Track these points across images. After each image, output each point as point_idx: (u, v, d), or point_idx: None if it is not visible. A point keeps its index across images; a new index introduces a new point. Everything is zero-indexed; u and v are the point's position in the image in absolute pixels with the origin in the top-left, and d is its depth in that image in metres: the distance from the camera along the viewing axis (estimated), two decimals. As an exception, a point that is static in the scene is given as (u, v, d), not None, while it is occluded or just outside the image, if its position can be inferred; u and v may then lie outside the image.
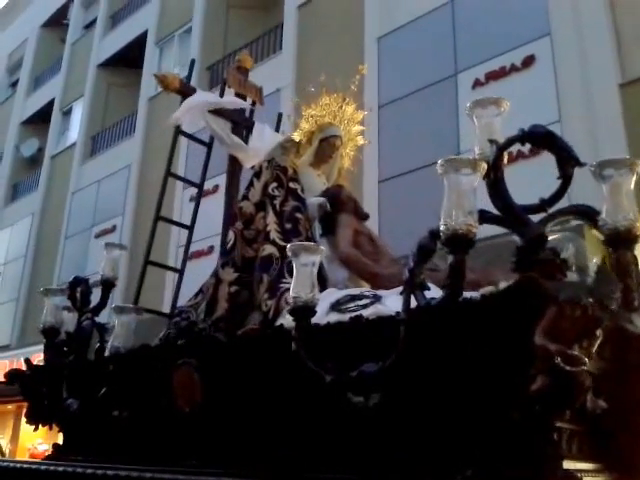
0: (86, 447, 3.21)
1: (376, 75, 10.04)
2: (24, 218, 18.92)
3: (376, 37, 10.85)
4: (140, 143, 15.81)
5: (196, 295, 3.59)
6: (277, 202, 3.41)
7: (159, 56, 17.04)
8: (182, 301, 4.42)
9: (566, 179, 2.27)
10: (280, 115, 4.97)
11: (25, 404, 3.60)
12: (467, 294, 2.12)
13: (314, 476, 2.40)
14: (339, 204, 3.59)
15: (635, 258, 2.23)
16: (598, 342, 1.92)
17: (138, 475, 2.61)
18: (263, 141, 4.24)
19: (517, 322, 1.91)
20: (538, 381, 1.89)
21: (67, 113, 19.60)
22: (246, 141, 4.36)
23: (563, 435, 2.12)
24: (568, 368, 1.82)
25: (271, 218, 3.35)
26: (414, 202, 8.35)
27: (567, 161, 2.24)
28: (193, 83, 14.27)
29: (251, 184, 3.61)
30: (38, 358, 3.88)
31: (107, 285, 3.56)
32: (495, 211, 2.25)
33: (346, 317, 2.60)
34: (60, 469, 2.95)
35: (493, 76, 9.37)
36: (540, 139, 2.24)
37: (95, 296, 3.57)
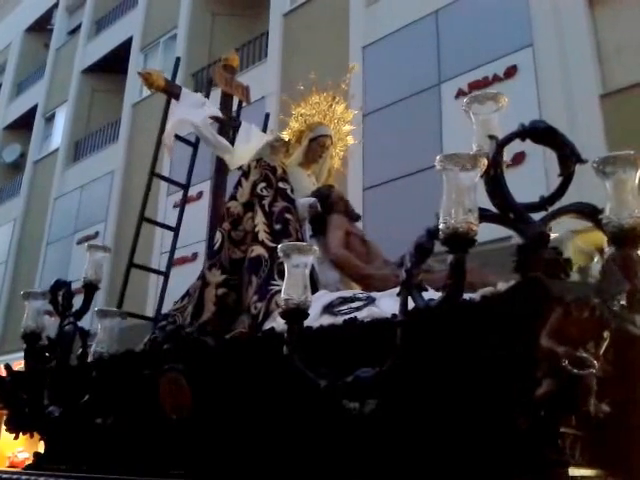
0: (69, 456, 3.09)
1: (361, 84, 10.06)
2: (6, 224, 18.72)
3: (361, 46, 10.92)
4: (124, 149, 15.78)
5: (182, 298, 3.49)
6: (266, 202, 3.32)
7: (144, 62, 16.99)
8: (167, 305, 4.34)
9: (567, 176, 2.20)
10: (267, 115, 4.89)
11: (4, 412, 3.48)
12: (465, 295, 2.04)
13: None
14: (330, 204, 3.51)
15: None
16: (605, 344, 1.84)
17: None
18: (249, 141, 4.15)
19: (521, 324, 1.84)
20: (544, 385, 1.82)
21: (50, 119, 19.45)
22: (233, 141, 4.26)
23: (566, 441, 2.04)
24: (576, 371, 1.75)
25: (260, 219, 3.26)
26: (398, 210, 8.37)
27: (568, 158, 2.17)
28: (178, 84, 14.19)
29: (239, 184, 3.51)
30: (19, 365, 3.75)
31: (90, 288, 3.44)
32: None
33: (339, 320, 2.52)
34: (42, 479, 2.84)
35: (476, 86, 9.48)
36: (540, 135, 2.17)
37: (77, 302, 3.47)
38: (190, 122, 4.09)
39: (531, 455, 1.91)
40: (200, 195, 12.53)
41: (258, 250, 3.14)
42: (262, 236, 3.19)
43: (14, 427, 3.31)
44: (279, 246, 2.36)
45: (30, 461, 3.47)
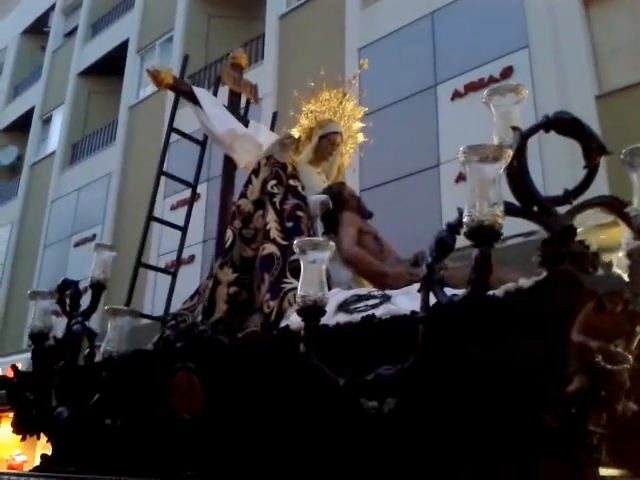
0: (77, 457, 3.03)
1: (357, 86, 10.07)
2: (3, 227, 18.64)
3: (357, 48, 10.90)
4: (120, 151, 15.78)
5: (192, 297, 3.44)
6: (277, 200, 3.27)
7: (140, 64, 16.98)
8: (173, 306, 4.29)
9: (592, 169, 2.15)
10: (275, 114, 4.85)
11: (4, 414, 3.41)
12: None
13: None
14: (342, 202, 3.47)
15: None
16: (637, 339, 1.80)
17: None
18: (258, 138, 4.09)
19: (551, 319, 1.79)
20: (575, 382, 1.77)
21: (47, 121, 19.39)
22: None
23: (593, 439, 2.00)
24: (609, 367, 1.70)
25: (271, 216, 3.21)
26: (395, 211, 8.33)
27: (594, 150, 2.12)
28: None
29: (249, 181, 3.46)
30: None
31: (98, 288, 3.40)
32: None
33: (355, 317, 2.47)
34: (50, 482, 2.78)
35: (472, 87, 9.54)
36: (565, 126, 2.13)
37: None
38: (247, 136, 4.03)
39: (561, 455, 1.87)
40: (197, 197, 12.45)
41: (270, 248, 3.09)
42: (274, 234, 3.14)
43: (21, 429, 3.25)
44: (295, 242, 2.31)
45: (28, 464, 3.41)
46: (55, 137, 18.45)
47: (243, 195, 3.43)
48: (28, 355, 3.41)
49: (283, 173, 3.38)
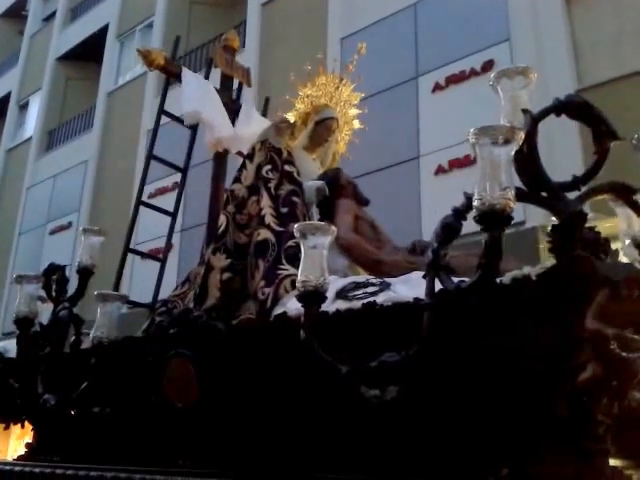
0: (63, 446, 2.95)
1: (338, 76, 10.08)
2: (-23, 213, 18.39)
3: (339, 38, 10.86)
4: (98, 138, 15.68)
5: (182, 284, 3.36)
6: (272, 185, 3.19)
7: (119, 50, 16.86)
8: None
9: (602, 154, 2.11)
10: (267, 100, 4.77)
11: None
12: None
13: (322, 476, 2.20)
14: (338, 188, 3.40)
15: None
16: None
17: (127, 476, 2.39)
18: (250, 125, 4.03)
19: (565, 305, 1.74)
20: (588, 370, 1.73)
21: (24, 107, 19.20)
22: (233, 123, 4.13)
23: (600, 429, 1.95)
24: (625, 354, 1.66)
25: (266, 202, 3.13)
26: (374, 203, 8.30)
27: (604, 135, 2.08)
28: (154, 77, 13.98)
29: (243, 166, 3.38)
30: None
31: (85, 273, 3.30)
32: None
33: (354, 305, 2.42)
34: (37, 470, 2.70)
35: (453, 80, 9.60)
36: (576, 109, 2.08)
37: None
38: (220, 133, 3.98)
39: (569, 444, 1.83)
40: (176, 186, 12.33)
41: (265, 234, 3.02)
42: (268, 219, 3.07)
43: (5, 417, 3.16)
44: (294, 226, 2.25)
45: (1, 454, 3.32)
46: (32, 123, 18.29)
47: (237, 180, 3.35)
48: (4, 342, 3.32)
49: (278, 158, 3.30)
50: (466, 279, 1.98)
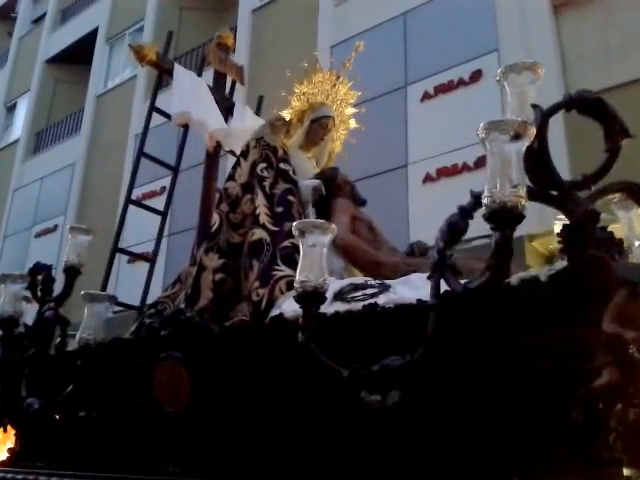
0: (48, 452, 2.84)
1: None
2: (-37, 215, 18.18)
3: (329, 45, 10.85)
4: (86, 141, 15.60)
5: (173, 285, 3.26)
6: (267, 184, 3.10)
7: (109, 54, 16.80)
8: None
9: (613, 152, 2.04)
10: (261, 98, 4.68)
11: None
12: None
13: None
14: (335, 188, 3.32)
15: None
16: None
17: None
18: (244, 123, 3.94)
19: (580, 307, 1.66)
20: (604, 375, 1.65)
21: (11, 108, 19.05)
22: (226, 122, 4.04)
23: (610, 437, 1.88)
24: (644, 359, 1.58)
25: (261, 201, 3.04)
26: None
27: (616, 132, 2.01)
28: (143, 81, 13.89)
29: (238, 164, 3.29)
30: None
31: (71, 273, 3.20)
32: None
33: (355, 306, 2.33)
34: (19, 477, 2.60)
35: (442, 89, 9.67)
36: (588, 106, 2.01)
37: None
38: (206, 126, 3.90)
39: (582, 452, 1.75)
40: (163, 190, 12.27)
41: (259, 234, 2.93)
42: (263, 219, 2.97)
43: (-13, 421, 3.04)
44: (294, 224, 2.16)
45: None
46: (19, 125, 18.14)
47: (231, 178, 3.26)
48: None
49: (273, 156, 3.21)
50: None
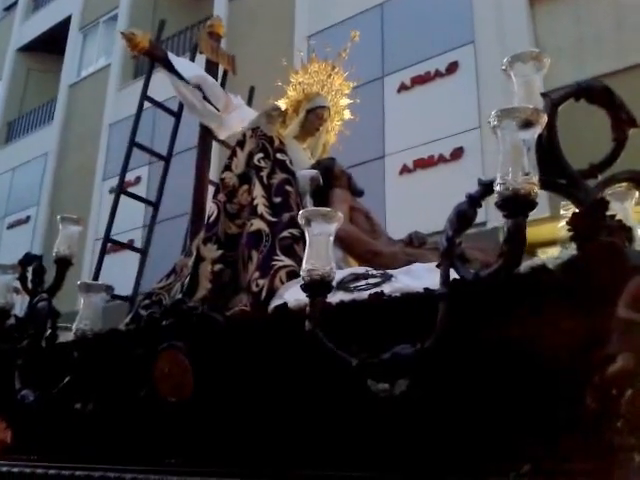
0: (43, 445, 2.80)
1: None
2: None
3: (306, 35, 10.84)
4: (59, 131, 15.49)
5: (167, 276, 3.23)
6: (264, 174, 3.08)
7: (82, 42, 16.63)
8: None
9: (620, 142, 2.05)
10: (252, 89, 4.65)
11: None
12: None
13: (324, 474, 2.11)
14: (332, 178, 3.31)
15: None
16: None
17: (117, 476, 2.26)
18: (237, 113, 3.90)
19: (594, 294, 1.67)
20: (619, 361, 1.66)
21: (-17, 98, 18.67)
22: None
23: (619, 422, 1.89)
24: (660, 344, 1.60)
25: (258, 191, 3.02)
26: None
27: (623, 122, 2.02)
28: (117, 71, 13.80)
29: (234, 154, 3.27)
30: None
31: (63, 264, 3.15)
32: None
33: (359, 296, 2.32)
34: (15, 470, 2.55)
35: (418, 80, 9.72)
36: (596, 94, 2.02)
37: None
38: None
39: (595, 439, 1.76)
40: (138, 180, 12.20)
41: (258, 224, 2.91)
42: (261, 209, 2.95)
43: (-22, 413, 2.99)
44: (300, 212, 2.15)
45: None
46: (-10, 115, 17.85)
47: (227, 168, 3.23)
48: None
49: (270, 146, 3.19)
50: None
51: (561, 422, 1.77)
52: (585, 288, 1.69)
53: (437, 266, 1.99)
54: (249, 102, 4.45)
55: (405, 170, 9.42)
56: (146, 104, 4.23)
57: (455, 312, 1.88)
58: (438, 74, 9.56)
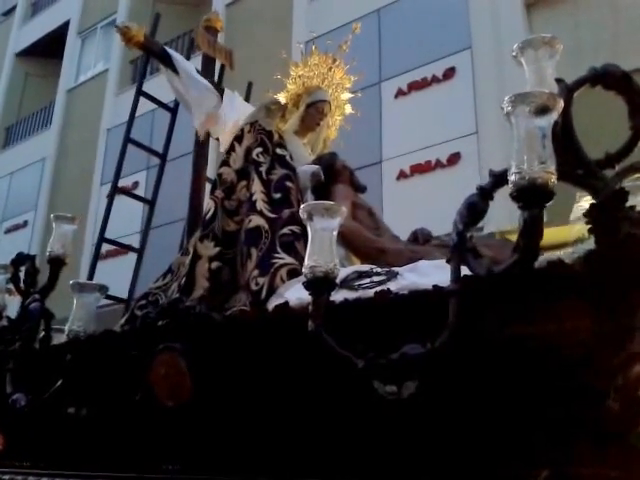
0: (36, 451, 2.70)
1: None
2: None
3: (303, 42, 10.79)
4: (56, 136, 15.53)
5: (164, 276, 3.12)
6: (263, 169, 2.98)
7: (80, 47, 16.67)
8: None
9: (638, 130, 1.96)
10: (250, 84, 4.56)
11: None
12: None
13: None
14: (334, 173, 3.21)
15: None
16: None
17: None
18: (234, 108, 3.80)
19: (615, 290, 1.58)
20: (641, 362, 1.56)
21: (-19, 103, 18.65)
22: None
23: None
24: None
25: (257, 187, 2.92)
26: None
27: (641, 109, 1.93)
28: (115, 76, 13.77)
29: (232, 149, 3.16)
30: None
31: (56, 264, 3.05)
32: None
33: (364, 294, 2.22)
34: (6, 477, 2.45)
35: (415, 86, 9.78)
36: (614, 80, 1.92)
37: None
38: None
39: (615, 442, 1.66)
40: (136, 185, 12.16)
41: (257, 220, 2.80)
42: (260, 205, 2.85)
43: (-32, 418, 2.88)
44: (302, 206, 2.05)
45: None
46: (-12, 120, 17.82)
47: (225, 163, 3.13)
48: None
49: (269, 141, 3.09)
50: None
51: (581, 425, 1.67)
52: (606, 283, 1.60)
53: (447, 261, 1.89)
54: (247, 98, 4.37)
55: (402, 175, 9.42)
56: (145, 106, 4.16)
57: (467, 310, 1.78)
58: (435, 80, 9.61)
